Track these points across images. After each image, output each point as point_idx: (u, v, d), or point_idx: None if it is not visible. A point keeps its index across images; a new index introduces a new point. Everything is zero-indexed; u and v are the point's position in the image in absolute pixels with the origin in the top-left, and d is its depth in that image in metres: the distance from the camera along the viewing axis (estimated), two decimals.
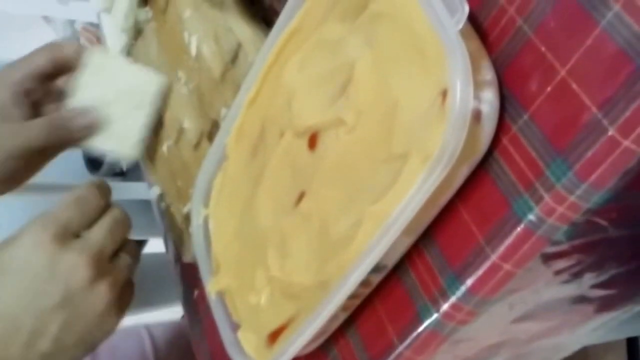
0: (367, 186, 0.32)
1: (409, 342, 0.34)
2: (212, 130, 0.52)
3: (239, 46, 0.50)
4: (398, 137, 0.31)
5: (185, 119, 0.56)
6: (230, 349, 0.41)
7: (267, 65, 0.41)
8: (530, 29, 0.29)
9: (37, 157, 0.53)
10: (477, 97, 0.28)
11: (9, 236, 0.41)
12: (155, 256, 1.24)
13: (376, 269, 0.32)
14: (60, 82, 0.56)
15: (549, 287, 0.35)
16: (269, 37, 0.41)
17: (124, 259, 0.44)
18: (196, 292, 0.57)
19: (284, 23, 0.40)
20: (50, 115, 0.54)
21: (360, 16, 0.34)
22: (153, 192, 0.61)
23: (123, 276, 0.44)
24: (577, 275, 0.35)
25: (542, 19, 0.28)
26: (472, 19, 0.31)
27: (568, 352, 0.52)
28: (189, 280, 0.59)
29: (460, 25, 0.28)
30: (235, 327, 0.41)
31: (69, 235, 0.41)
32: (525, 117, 0.29)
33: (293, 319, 0.36)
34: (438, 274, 0.32)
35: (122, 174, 1.30)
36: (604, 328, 0.47)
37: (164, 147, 0.59)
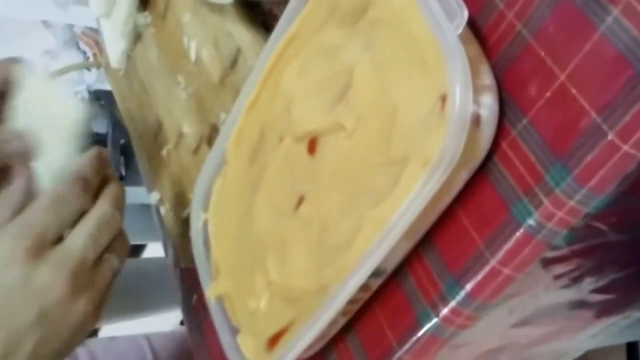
0: (367, 191, 0.32)
1: (409, 347, 0.33)
2: (211, 135, 0.52)
3: (238, 51, 0.50)
4: (397, 142, 0.31)
5: (184, 124, 0.56)
6: (229, 354, 0.41)
7: (267, 70, 0.41)
8: (529, 34, 0.29)
9: None
10: (476, 101, 0.28)
11: None
12: (154, 261, 1.25)
13: (375, 273, 0.32)
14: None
15: (548, 292, 0.35)
16: (269, 42, 0.41)
17: (109, 262, 0.41)
18: (195, 297, 0.57)
19: (284, 28, 0.40)
20: None
21: (360, 21, 0.35)
22: (152, 197, 0.61)
23: (106, 282, 0.41)
24: (576, 280, 0.35)
25: (542, 24, 0.28)
26: (471, 24, 0.31)
27: (569, 358, 0.52)
28: (188, 284, 0.59)
29: (460, 30, 0.28)
30: (234, 331, 0.41)
31: (46, 244, 0.38)
32: (525, 121, 0.29)
33: (292, 323, 0.36)
34: (437, 279, 0.32)
35: (121, 178, 1.30)
36: (604, 334, 0.47)
37: (164, 152, 0.59)
